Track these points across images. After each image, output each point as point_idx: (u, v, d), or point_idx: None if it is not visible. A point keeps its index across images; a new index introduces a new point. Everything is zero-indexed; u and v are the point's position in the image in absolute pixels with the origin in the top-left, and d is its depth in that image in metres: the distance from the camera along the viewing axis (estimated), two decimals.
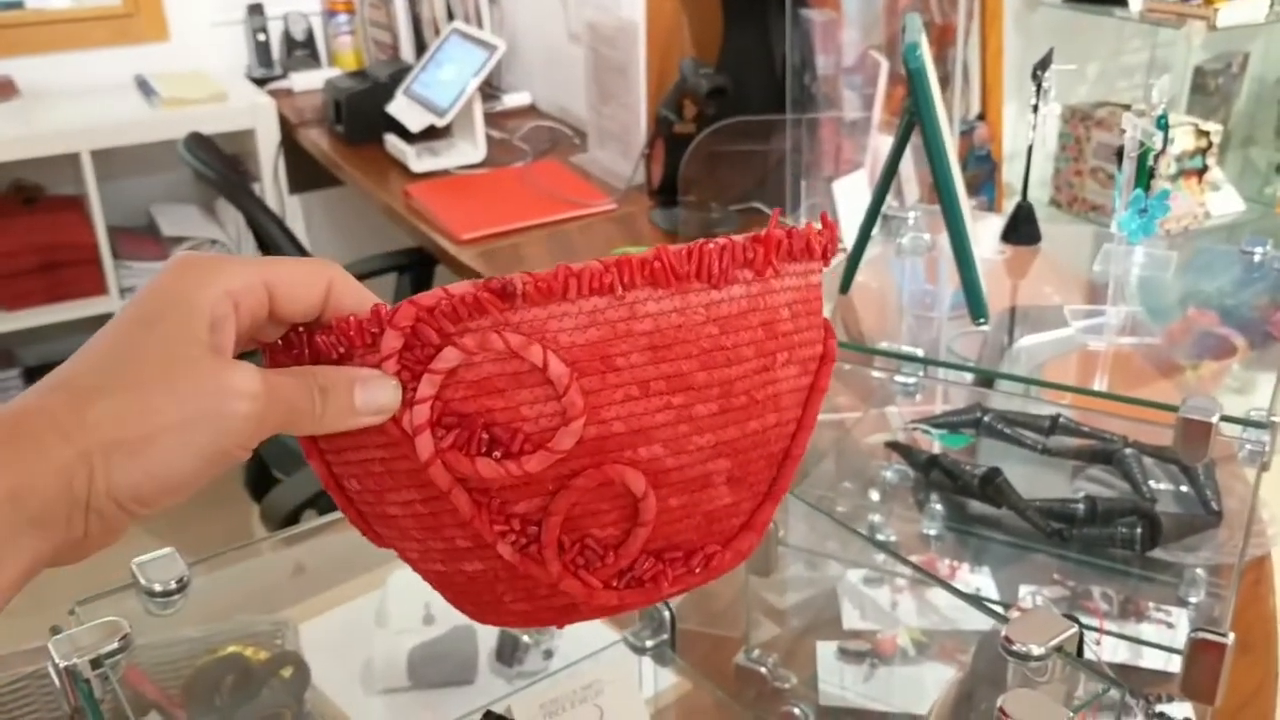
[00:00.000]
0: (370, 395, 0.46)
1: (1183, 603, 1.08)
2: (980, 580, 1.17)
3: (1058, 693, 0.60)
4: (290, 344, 0.49)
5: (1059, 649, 0.58)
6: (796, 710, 1.02)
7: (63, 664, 0.57)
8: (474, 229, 2.11)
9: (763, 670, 1.04)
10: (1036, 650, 0.58)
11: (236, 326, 0.45)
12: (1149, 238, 0.95)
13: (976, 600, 0.74)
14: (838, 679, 1.09)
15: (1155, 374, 1.04)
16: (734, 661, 1.03)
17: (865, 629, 1.14)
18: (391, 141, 2.49)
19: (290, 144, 2.80)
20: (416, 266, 2.40)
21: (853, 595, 1.18)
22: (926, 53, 0.88)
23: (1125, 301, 1.03)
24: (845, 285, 1.04)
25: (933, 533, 1.20)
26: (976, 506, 1.15)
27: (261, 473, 2.13)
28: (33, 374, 2.91)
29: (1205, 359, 1.16)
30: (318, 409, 0.46)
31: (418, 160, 2.41)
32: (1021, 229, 1.15)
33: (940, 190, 0.85)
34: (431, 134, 2.47)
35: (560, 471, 0.47)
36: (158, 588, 0.63)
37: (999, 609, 1.10)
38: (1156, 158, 0.92)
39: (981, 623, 1.05)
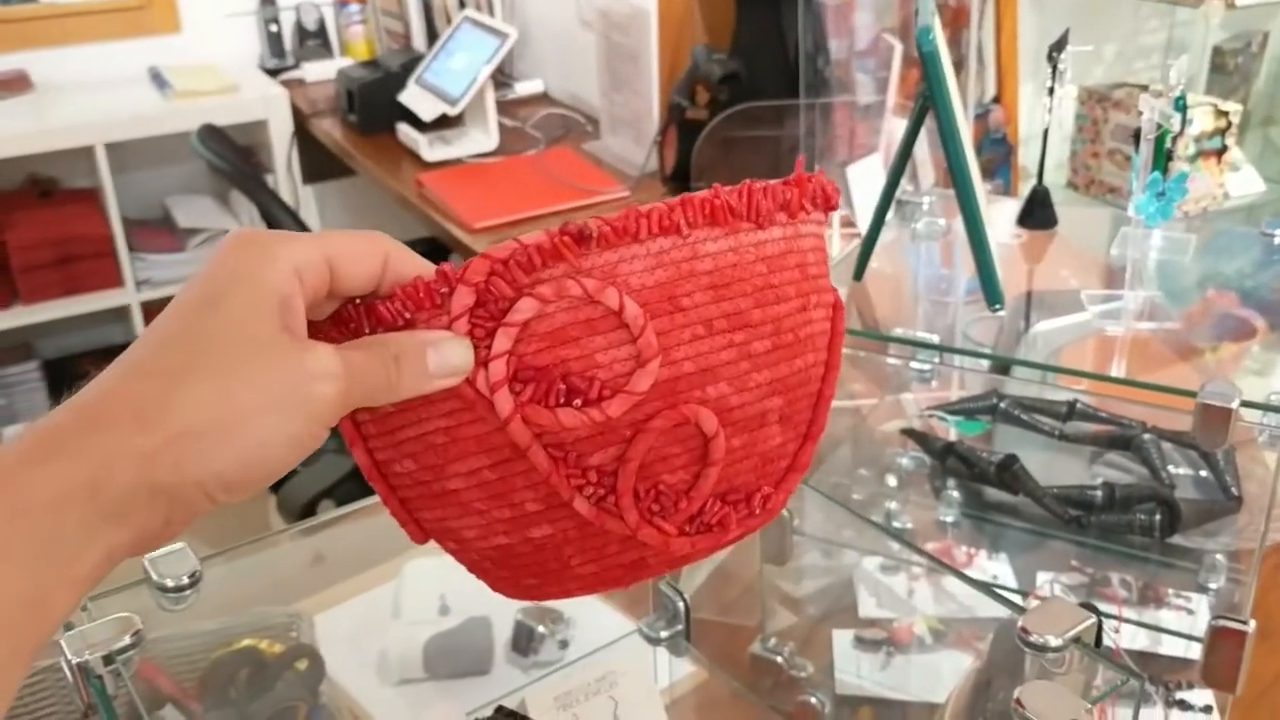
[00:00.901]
0: (444, 357, 0.46)
1: (1203, 589, 1.07)
2: (997, 567, 1.17)
3: (1076, 684, 0.60)
4: (345, 319, 0.48)
5: (1077, 640, 0.57)
6: (813, 699, 1.02)
7: (75, 660, 0.57)
8: (487, 218, 2.11)
9: (779, 659, 1.03)
10: (1054, 641, 0.57)
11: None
12: (1167, 221, 0.94)
13: (991, 590, 0.73)
14: (854, 668, 1.08)
15: (1174, 358, 1.03)
16: (749, 651, 1.02)
17: (881, 617, 1.13)
18: (404, 131, 2.49)
19: (303, 134, 2.80)
20: (429, 256, 2.38)
21: (869, 583, 1.18)
22: (940, 36, 0.87)
23: (1143, 285, 1.02)
24: (859, 272, 1.03)
25: (949, 520, 1.20)
26: (993, 493, 1.15)
27: None
28: (51, 367, 2.92)
29: (1225, 341, 1.15)
30: (393, 378, 0.45)
31: (430, 149, 2.40)
32: (1037, 213, 1.14)
33: (954, 175, 0.84)
34: (444, 123, 2.47)
35: (635, 417, 0.48)
36: (169, 583, 0.63)
37: (1016, 598, 1.09)
38: (1174, 140, 0.91)
39: (999, 610, 1.04)
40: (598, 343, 0.47)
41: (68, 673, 0.60)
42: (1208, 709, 1.04)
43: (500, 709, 0.55)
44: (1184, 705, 1.04)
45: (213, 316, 0.42)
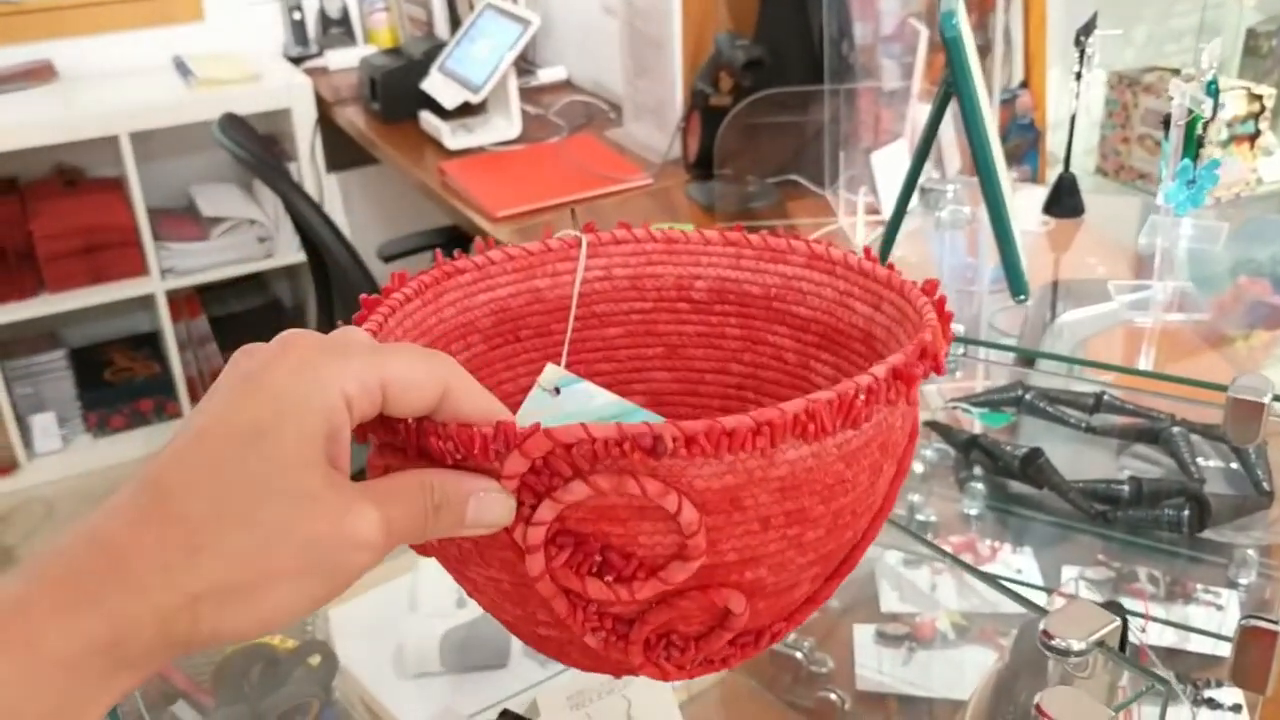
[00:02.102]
0: (484, 511, 0.44)
1: (1233, 584, 1.05)
2: (1022, 561, 1.15)
3: (1100, 688, 0.58)
4: (393, 425, 0.46)
5: (1101, 643, 0.55)
6: (833, 695, 1.01)
7: None
8: (508, 206, 2.10)
9: (798, 655, 1.02)
10: (1077, 645, 0.55)
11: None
12: (1197, 209, 0.91)
13: (1010, 591, 0.71)
14: (875, 663, 1.07)
15: (1204, 347, 1.01)
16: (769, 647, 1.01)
17: (904, 612, 1.12)
18: (426, 119, 2.48)
19: (327, 123, 2.80)
20: (452, 245, 2.38)
21: (891, 577, 1.16)
22: (964, 20, 0.85)
23: (1172, 274, 1.00)
24: (881, 259, 1.01)
25: (974, 512, 1.18)
26: (1018, 487, 1.13)
27: None
28: (77, 355, 2.94)
29: (1257, 329, 1.12)
30: (429, 526, 0.44)
31: (453, 137, 2.39)
32: (1064, 201, 1.12)
33: (978, 163, 0.82)
34: (466, 110, 2.46)
35: (663, 591, 0.47)
36: None
37: (1039, 593, 1.07)
38: (1205, 125, 0.88)
39: (1023, 606, 1.02)
40: (644, 527, 0.46)
41: None
42: (1237, 708, 1.02)
43: (505, 712, 0.54)
44: (1213, 704, 1.02)
45: (254, 453, 0.39)
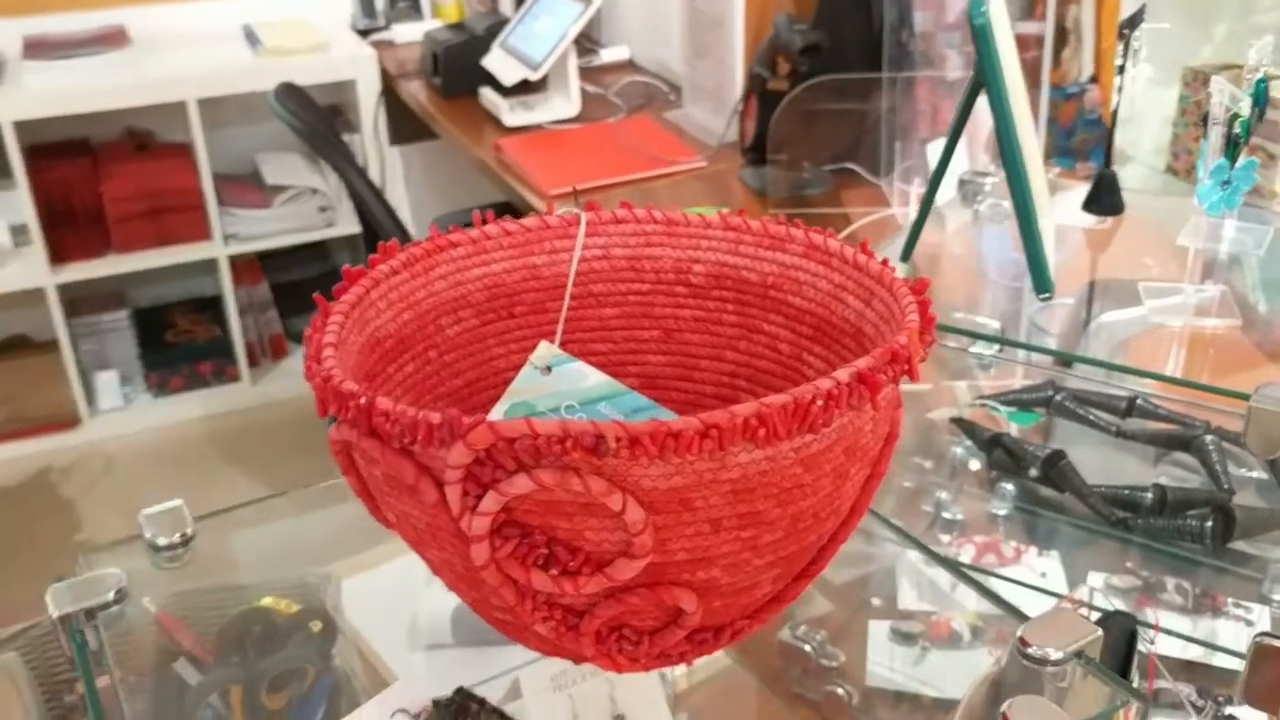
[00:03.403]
0: None
1: (1265, 599, 1.02)
2: (1048, 565, 1.12)
3: (1083, 699, 0.57)
4: (348, 398, 0.47)
5: (1079, 654, 0.54)
6: (841, 690, 0.99)
7: (56, 614, 0.58)
8: (561, 184, 2.09)
9: (808, 648, 1.01)
10: (1054, 654, 0.54)
11: None
12: (1231, 210, 0.88)
13: (996, 596, 0.70)
14: (887, 660, 1.05)
15: (1243, 355, 0.97)
16: (777, 637, 1.00)
17: (921, 610, 1.10)
18: (486, 95, 2.48)
19: (391, 96, 2.82)
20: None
21: (911, 574, 1.14)
22: (999, 7, 0.82)
23: (1214, 277, 0.97)
24: (907, 252, 0.99)
25: (1001, 513, 1.16)
26: (1044, 489, 1.10)
27: None
28: (141, 315, 3.00)
29: None
30: None
31: (511, 114, 2.40)
32: (1103, 199, 1.09)
33: (1004, 156, 0.80)
34: (526, 88, 2.46)
35: (609, 587, 0.47)
36: (161, 541, 0.63)
37: (1051, 597, 1.05)
38: (1251, 126, 0.85)
39: (1039, 611, 1.00)
40: (591, 523, 0.45)
41: (53, 625, 0.60)
42: None
43: (460, 689, 0.54)
44: None
45: None
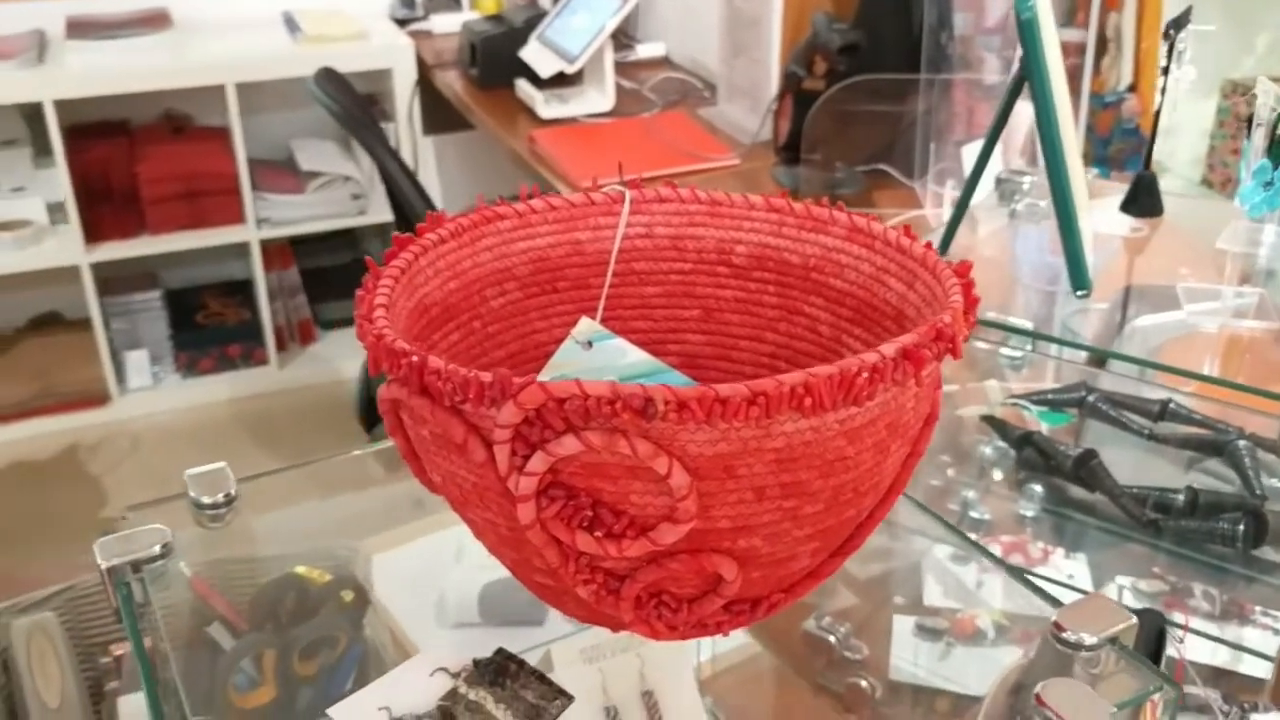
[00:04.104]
0: None
1: None
2: (1074, 567, 1.12)
3: (1115, 687, 0.57)
4: (399, 356, 0.47)
5: (1113, 640, 0.54)
6: (864, 683, 1.00)
7: (104, 565, 0.59)
8: (594, 176, 2.10)
9: (832, 639, 1.01)
10: (1088, 639, 0.54)
11: None
12: (1272, 212, 0.88)
13: (1032, 584, 0.70)
14: (911, 655, 1.05)
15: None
16: (802, 627, 1.01)
17: (946, 607, 1.10)
18: (522, 86, 2.50)
19: (427, 85, 2.84)
20: None
21: (937, 571, 1.14)
22: (1044, 4, 0.82)
23: (1253, 281, 0.96)
24: (943, 248, 0.99)
25: (1029, 514, 1.15)
26: (1076, 490, 1.10)
27: (373, 405, 2.17)
28: (172, 296, 3.03)
29: None
30: None
31: (546, 106, 2.41)
32: (1142, 200, 1.08)
33: (1046, 152, 0.80)
34: (562, 80, 2.47)
35: (655, 550, 0.47)
36: (206, 500, 0.64)
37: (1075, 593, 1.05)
38: None
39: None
40: (635, 487, 0.46)
41: (101, 577, 0.61)
42: None
43: (500, 650, 0.55)
44: None
45: None
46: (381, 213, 2.95)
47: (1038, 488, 1.13)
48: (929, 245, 0.58)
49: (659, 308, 0.67)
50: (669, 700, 0.71)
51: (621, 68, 2.57)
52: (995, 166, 1.67)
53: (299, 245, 3.07)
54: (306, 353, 3.11)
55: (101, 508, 2.63)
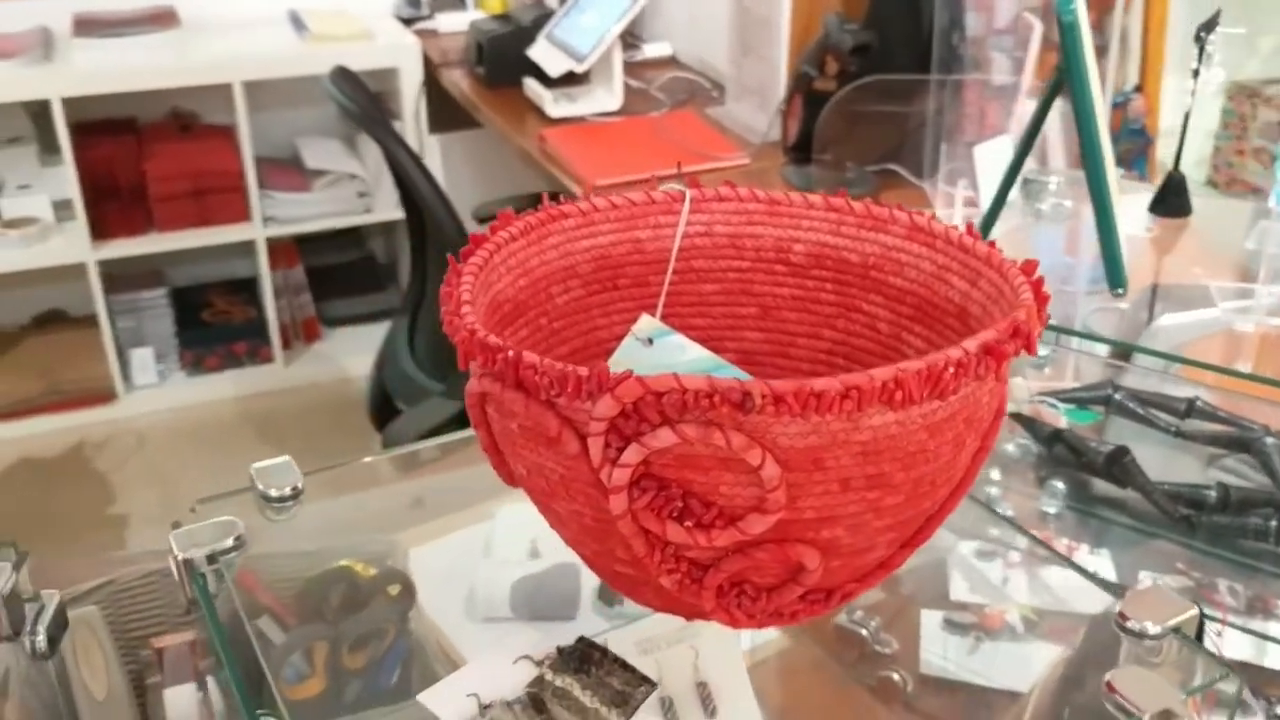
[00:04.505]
0: None
1: None
2: (1099, 563, 1.13)
3: (1172, 676, 0.58)
4: (493, 351, 0.48)
5: (1176, 630, 0.55)
6: (895, 676, 1.01)
7: (181, 556, 0.59)
8: (605, 176, 2.11)
9: (864, 633, 1.02)
10: (1152, 629, 0.55)
11: None
12: None
13: (1092, 575, 0.71)
14: (941, 649, 1.06)
15: None
16: (834, 622, 1.02)
17: (973, 602, 1.11)
18: (530, 85, 2.50)
19: (433, 84, 2.84)
20: None
21: (963, 567, 1.15)
22: (1082, 9, 0.84)
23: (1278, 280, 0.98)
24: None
25: (1052, 511, 1.17)
26: (1100, 487, 1.11)
27: (385, 402, 2.18)
28: (178, 294, 3.03)
29: None
30: None
31: (554, 105, 2.42)
32: (1170, 200, 1.10)
33: (1085, 152, 0.81)
34: (570, 80, 2.48)
35: (739, 540, 0.48)
36: (273, 493, 0.65)
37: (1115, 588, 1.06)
38: None
39: (1095, 605, 1.01)
40: (726, 478, 0.47)
41: (174, 569, 0.62)
42: None
43: (582, 638, 0.56)
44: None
45: None
46: (387, 211, 2.96)
47: (1060, 485, 1.14)
48: (992, 244, 0.59)
49: (717, 305, 0.68)
50: (723, 692, 0.72)
51: (628, 67, 2.58)
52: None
53: (304, 243, 3.07)
54: (312, 350, 3.11)
55: (108, 505, 2.63)
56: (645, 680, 0.55)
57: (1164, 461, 1.08)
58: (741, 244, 0.67)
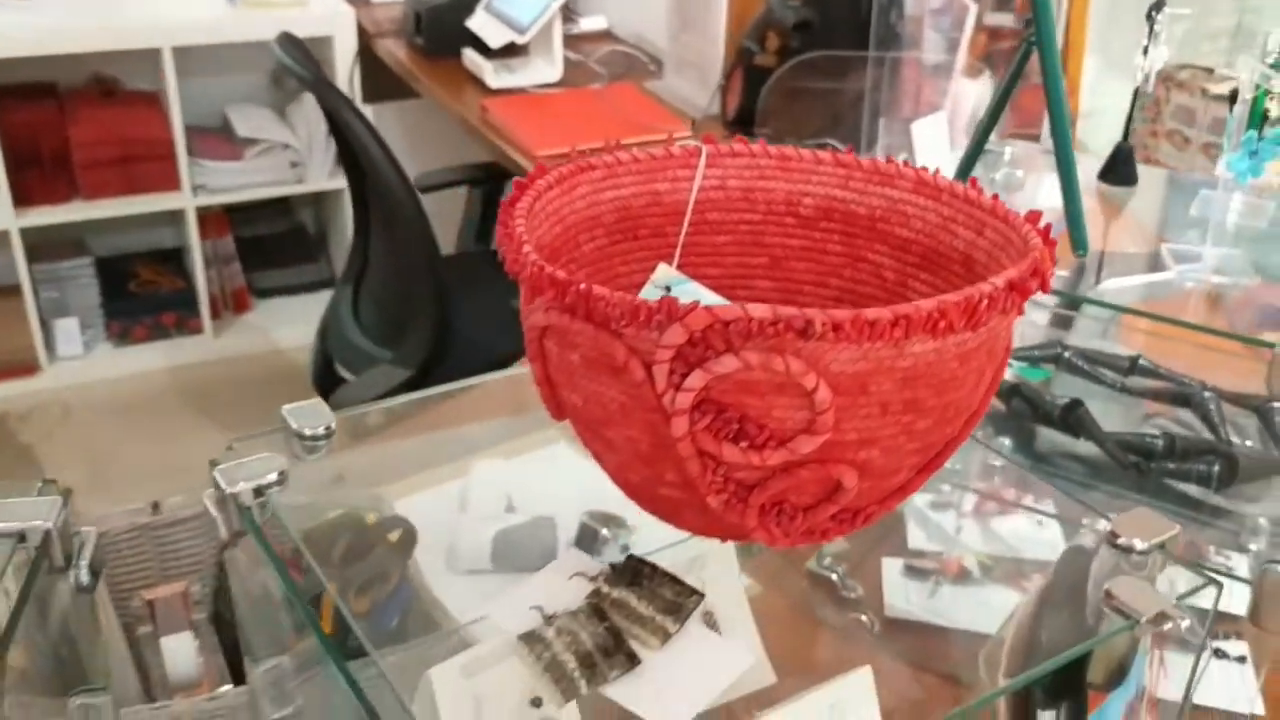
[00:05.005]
0: None
1: (1243, 549, 1.11)
2: (1044, 514, 1.20)
3: (1164, 585, 0.64)
4: (566, 296, 0.51)
5: (1161, 546, 0.61)
6: (864, 618, 1.06)
7: (228, 490, 0.61)
8: (550, 146, 2.13)
9: (833, 577, 1.08)
10: (1140, 545, 0.61)
11: None
12: (1257, 179, 0.96)
13: (1079, 499, 0.77)
14: (903, 594, 1.12)
15: (1249, 317, 1.06)
16: (806, 567, 1.07)
17: (930, 550, 1.17)
18: (469, 56, 2.51)
19: (366, 54, 2.83)
20: (489, 180, 2.43)
21: (918, 518, 1.22)
22: None
23: (1223, 244, 1.05)
24: None
25: (998, 464, 1.23)
26: (1044, 441, 1.18)
27: (328, 370, 2.18)
28: (103, 264, 2.97)
29: None
30: None
31: (495, 76, 2.43)
32: (1119, 169, 1.16)
33: (1052, 115, 0.87)
34: (509, 51, 2.49)
35: (788, 460, 0.52)
36: (307, 432, 0.68)
37: (1059, 544, 1.13)
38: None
39: (1044, 553, 1.08)
40: (780, 402, 0.51)
41: (211, 507, 0.64)
42: (1242, 659, 1.08)
43: (631, 556, 0.59)
44: (1221, 654, 1.08)
45: None
46: (320, 181, 2.93)
47: (1006, 440, 1.21)
48: (996, 197, 0.63)
49: (730, 255, 0.71)
50: (726, 621, 0.76)
51: (564, 40, 2.60)
52: (940, 144, 1.75)
53: (235, 213, 3.03)
54: (242, 321, 3.08)
55: (35, 478, 2.58)
56: (694, 591, 0.58)
57: (1109, 415, 1.15)
58: (754, 197, 0.70)
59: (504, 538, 1.14)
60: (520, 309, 0.58)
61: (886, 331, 0.48)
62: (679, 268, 0.71)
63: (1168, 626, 0.57)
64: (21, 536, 0.65)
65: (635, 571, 0.59)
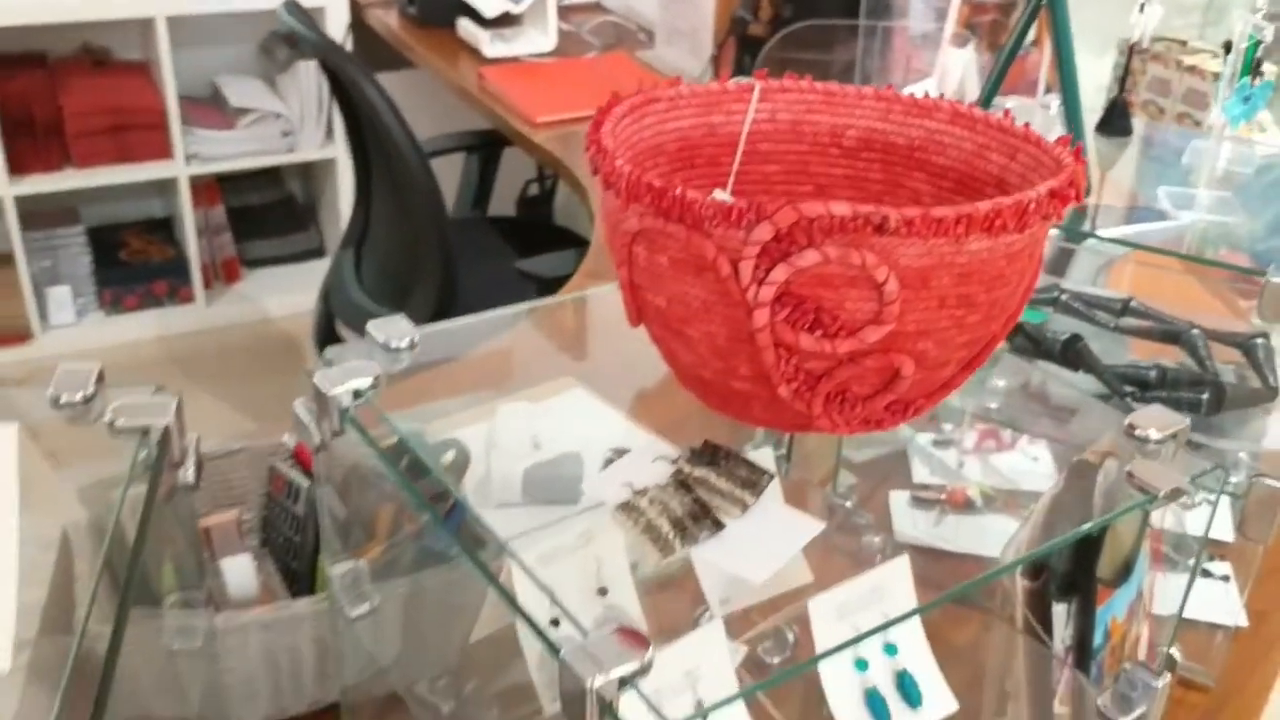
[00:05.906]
0: None
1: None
2: (1038, 450, 1.28)
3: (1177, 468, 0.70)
4: (662, 201, 0.57)
5: (1173, 436, 0.68)
6: (876, 539, 1.14)
7: (330, 392, 0.67)
8: (548, 113, 2.18)
9: (848, 504, 1.15)
10: (1155, 435, 0.68)
11: None
12: (1249, 123, 1.04)
13: (1110, 382, 0.83)
14: (910, 523, 1.19)
15: (1237, 256, 1.13)
16: (823, 494, 1.14)
17: (934, 483, 1.25)
18: (464, 25, 2.55)
19: (359, 25, 2.86)
20: (486, 147, 2.47)
21: (922, 455, 1.29)
22: None
23: (1215, 188, 1.12)
24: None
25: (994, 405, 1.31)
26: (1039, 379, 1.25)
27: (329, 328, 2.22)
28: (94, 233, 2.99)
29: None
30: None
31: (491, 45, 2.47)
32: (1115, 122, 1.24)
33: (1062, 70, 0.93)
34: (503, 21, 2.53)
35: (855, 350, 0.58)
36: (393, 344, 0.73)
37: (1050, 479, 1.21)
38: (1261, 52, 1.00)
39: (1041, 485, 1.15)
40: (852, 295, 0.57)
41: (304, 414, 0.70)
42: (1225, 578, 1.17)
43: (707, 442, 0.65)
44: (1205, 574, 1.16)
45: None
46: (311, 150, 2.97)
47: (1000, 383, 1.28)
48: (1027, 125, 0.70)
49: (778, 183, 0.78)
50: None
51: (557, 11, 2.65)
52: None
53: (226, 182, 3.06)
54: (233, 291, 3.11)
55: (28, 444, 2.60)
56: (766, 472, 0.65)
57: (1103, 353, 1.22)
58: (801, 130, 0.77)
59: (534, 472, 1.20)
60: (606, 220, 0.63)
61: (950, 228, 0.55)
62: (732, 195, 0.77)
63: (1182, 500, 0.64)
64: (144, 431, 0.70)
65: (712, 453, 0.65)
